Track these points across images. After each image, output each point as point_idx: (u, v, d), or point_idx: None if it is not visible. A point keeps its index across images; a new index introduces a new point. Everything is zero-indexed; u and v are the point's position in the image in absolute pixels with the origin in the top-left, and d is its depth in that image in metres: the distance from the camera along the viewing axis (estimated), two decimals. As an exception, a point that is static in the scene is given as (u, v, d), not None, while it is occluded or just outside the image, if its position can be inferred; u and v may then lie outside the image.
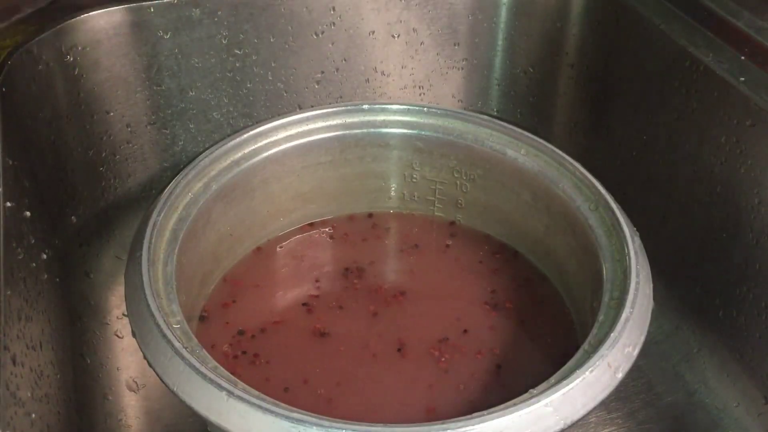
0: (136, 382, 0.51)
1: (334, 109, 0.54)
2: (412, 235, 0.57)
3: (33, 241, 0.45)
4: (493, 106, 0.70)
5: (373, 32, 0.64)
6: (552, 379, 0.37)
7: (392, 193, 0.57)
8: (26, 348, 0.38)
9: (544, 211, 0.51)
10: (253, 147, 0.51)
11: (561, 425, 0.35)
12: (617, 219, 0.45)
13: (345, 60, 0.64)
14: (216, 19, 0.58)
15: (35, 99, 0.52)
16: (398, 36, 0.65)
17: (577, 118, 0.65)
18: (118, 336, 0.54)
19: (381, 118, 0.54)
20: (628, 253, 0.43)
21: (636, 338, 0.39)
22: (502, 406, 0.35)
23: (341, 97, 0.65)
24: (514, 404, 0.35)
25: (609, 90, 0.61)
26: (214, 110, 0.61)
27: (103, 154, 0.58)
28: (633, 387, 0.52)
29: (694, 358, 0.53)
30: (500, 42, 0.67)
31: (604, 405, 0.50)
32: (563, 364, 0.38)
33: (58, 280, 0.50)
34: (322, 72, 0.64)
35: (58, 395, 0.43)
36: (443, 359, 0.47)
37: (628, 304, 0.40)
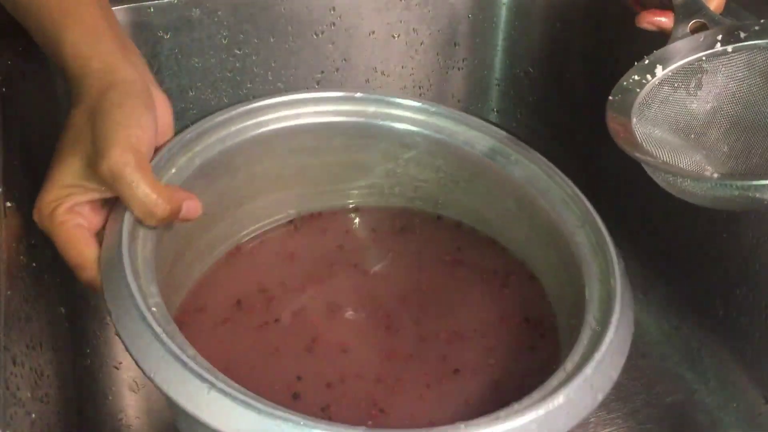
0: (136, 382, 0.51)
1: (326, 94, 0.53)
2: (394, 228, 0.56)
3: (33, 241, 0.45)
4: (493, 106, 0.70)
5: (373, 32, 0.64)
6: (535, 395, 0.37)
7: (374, 186, 0.57)
8: (26, 348, 0.38)
9: (528, 221, 0.50)
10: (239, 126, 0.50)
11: None
12: (604, 239, 0.44)
13: (345, 60, 0.64)
14: (216, 19, 0.58)
15: (35, 99, 0.52)
16: (398, 36, 0.65)
17: (577, 118, 0.65)
18: (118, 336, 0.54)
19: (372, 109, 0.53)
20: (614, 274, 0.42)
21: (618, 361, 0.39)
22: (485, 417, 0.35)
23: (341, 97, 0.65)
24: (497, 417, 0.35)
25: (609, 90, 0.61)
26: (214, 110, 0.61)
27: (103, 154, 0.58)
28: (633, 387, 0.52)
29: (694, 358, 0.53)
30: (500, 42, 0.67)
31: (604, 405, 0.50)
32: (543, 372, 0.38)
33: (58, 280, 0.50)
34: (322, 72, 0.64)
35: (58, 395, 0.43)
36: (429, 354, 0.47)
37: (612, 328, 0.39)
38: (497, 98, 0.70)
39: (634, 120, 0.43)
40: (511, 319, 0.50)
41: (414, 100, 0.53)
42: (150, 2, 0.55)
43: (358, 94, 0.53)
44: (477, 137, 0.52)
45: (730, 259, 0.50)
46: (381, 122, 0.53)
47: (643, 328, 0.55)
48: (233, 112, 0.50)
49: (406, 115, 0.53)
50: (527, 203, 0.50)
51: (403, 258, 0.54)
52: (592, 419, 0.50)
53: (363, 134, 0.54)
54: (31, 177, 0.49)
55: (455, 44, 0.67)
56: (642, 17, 0.47)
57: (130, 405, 0.50)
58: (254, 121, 0.51)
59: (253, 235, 0.54)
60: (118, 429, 0.49)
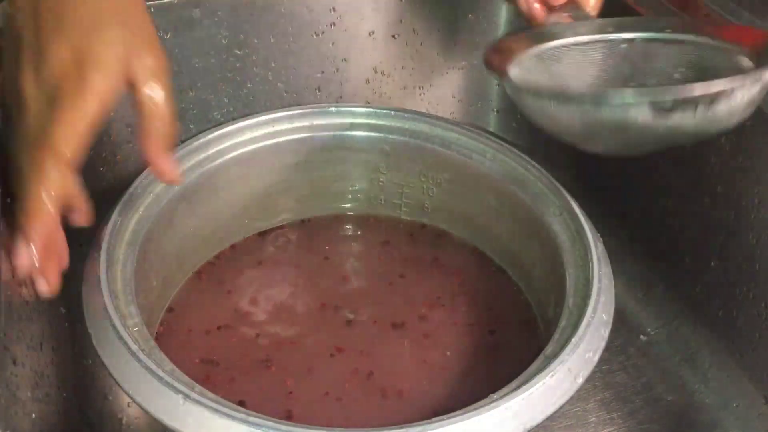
0: (136, 382, 0.51)
1: (301, 110, 0.54)
2: (380, 237, 0.57)
3: (33, 241, 0.45)
4: (493, 106, 0.70)
5: (373, 32, 0.64)
6: (513, 384, 0.37)
7: (359, 196, 0.57)
8: (26, 348, 0.38)
9: (510, 215, 0.51)
10: (218, 148, 0.51)
11: (520, 430, 0.35)
12: (581, 225, 0.45)
13: (345, 60, 0.64)
14: (216, 19, 0.58)
15: (35, 99, 0.51)
16: (398, 36, 0.64)
17: (577, 118, 0.65)
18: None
19: (348, 120, 0.54)
20: (591, 259, 0.43)
21: (596, 344, 0.39)
22: (462, 410, 0.35)
23: (341, 97, 0.65)
24: (474, 409, 0.35)
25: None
26: (214, 110, 0.61)
27: (103, 154, 0.58)
28: (633, 387, 0.52)
29: (694, 358, 0.53)
30: (500, 42, 0.67)
31: (605, 405, 0.50)
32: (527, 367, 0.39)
33: (58, 280, 0.50)
34: (322, 72, 0.63)
35: (58, 395, 0.43)
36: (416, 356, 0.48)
37: (590, 310, 0.40)
38: (497, 98, 0.69)
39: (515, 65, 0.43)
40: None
41: (387, 108, 0.54)
42: (150, 2, 0.55)
43: (332, 108, 0.54)
44: (452, 138, 0.53)
45: (730, 259, 0.50)
46: (359, 133, 0.54)
47: (643, 328, 0.55)
48: (210, 136, 0.50)
49: (382, 123, 0.54)
50: (507, 198, 0.51)
51: (390, 267, 0.55)
52: (592, 419, 0.50)
53: (342, 146, 0.55)
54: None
55: (455, 44, 0.67)
56: None
57: (130, 405, 0.50)
58: (232, 142, 0.51)
59: (239, 251, 0.55)
60: (118, 429, 0.49)
